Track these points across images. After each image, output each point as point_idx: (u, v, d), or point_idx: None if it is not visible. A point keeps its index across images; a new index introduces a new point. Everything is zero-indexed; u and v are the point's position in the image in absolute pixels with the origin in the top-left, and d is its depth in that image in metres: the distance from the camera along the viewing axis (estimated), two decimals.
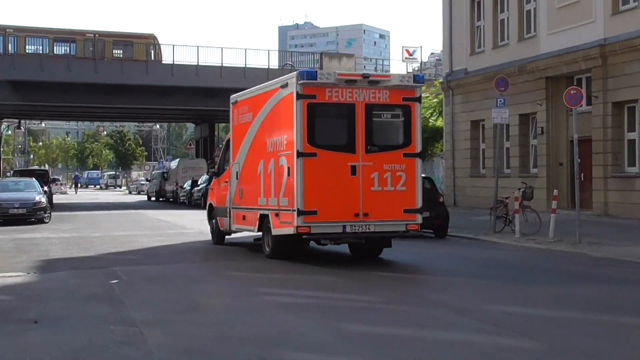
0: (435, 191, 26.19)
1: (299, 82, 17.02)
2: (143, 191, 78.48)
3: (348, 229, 17.11)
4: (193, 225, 30.19)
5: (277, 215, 17.95)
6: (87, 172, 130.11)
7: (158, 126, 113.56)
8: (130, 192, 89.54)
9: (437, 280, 15.37)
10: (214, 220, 22.81)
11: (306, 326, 10.62)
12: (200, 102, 56.18)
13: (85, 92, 53.41)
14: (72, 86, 52.65)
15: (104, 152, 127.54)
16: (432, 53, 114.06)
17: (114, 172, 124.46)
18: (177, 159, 68.56)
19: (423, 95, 53.70)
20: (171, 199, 57.94)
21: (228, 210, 21.21)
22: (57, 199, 59.00)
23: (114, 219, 35.74)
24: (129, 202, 59.45)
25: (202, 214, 28.44)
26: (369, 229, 17.20)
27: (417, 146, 17.66)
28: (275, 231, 18.08)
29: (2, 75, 49.62)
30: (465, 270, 16.83)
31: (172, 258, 19.12)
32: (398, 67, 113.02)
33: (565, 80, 33.73)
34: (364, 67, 74.58)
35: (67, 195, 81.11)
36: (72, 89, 52.91)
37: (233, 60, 54.94)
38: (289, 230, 17.30)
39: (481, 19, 40.38)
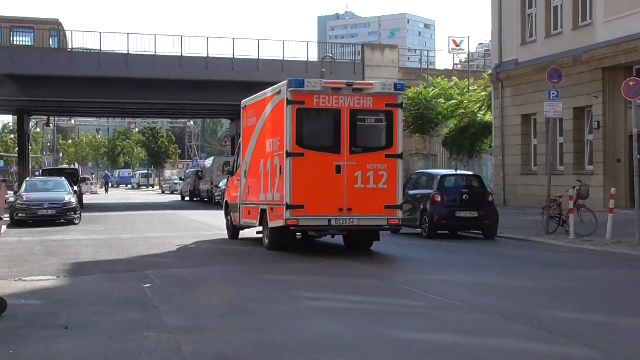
0: (483, 190, 26.22)
1: (289, 89, 19.89)
2: (176, 191, 79.02)
3: (333, 222, 19.95)
4: None
5: (272, 209, 20.89)
6: (118, 170, 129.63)
7: (192, 122, 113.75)
8: (163, 192, 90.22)
9: (485, 284, 15.31)
10: (229, 217, 25.59)
11: (348, 332, 10.63)
12: (235, 97, 55.78)
13: (116, 86, 53.79)
14: (102, 81, 53.08)
15: (135, 150, 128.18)
16: (480, 43, 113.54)
17: (146, 171, 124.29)
18: (212, 157, 67.88)
19: (471, 87, 53.21)
20: (206, 199, 57.81)
21: (238, 206, 24.10)
22: (87, 199, 59.17)
23: (147, 220, 36.02)
24: (162, 202, 59.91)
25: None
26: (352, 222, 20.00)
27: (399, 148, 20.46)
28: (271, 224, 21.00)
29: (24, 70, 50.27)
30: (514, 272, 16.78)
31: (207, 260, 19.27)
32: (444, 58, 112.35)
33: (623, 70, 33.41)
34: (408, 58, 74.45)
35: (98, 195, 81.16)
36: (101, 84, 53.33)
37: (270, 52, 55.21)
38: (280, 223, 20.15)
39: (532, 6, 40.10)
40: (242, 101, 24.21)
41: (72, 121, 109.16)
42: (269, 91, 21.61)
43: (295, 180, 19.86)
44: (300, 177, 19.90)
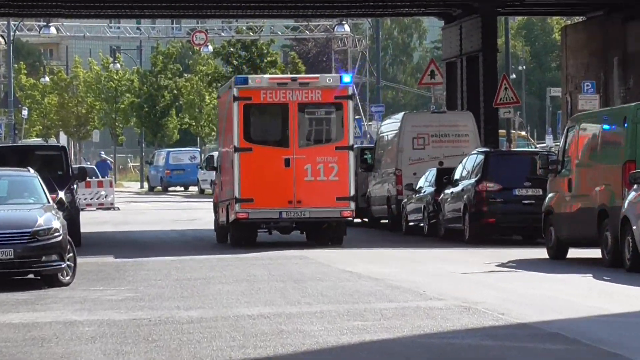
0: None
1: (235, 86, 21.75)
2: None
3: (284, 215, 21.57)
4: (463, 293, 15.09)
5: (229, 205, 22.31)
6: (165, 151, 66.86)
7: (346, 27, 62.28)
8: None
9: None
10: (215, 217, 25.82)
11: None
12: None
13: None
14: None
15: (208, 99, 64.63)
16: None
17: None
18: (400, 113, 34.52)
19: None
20: (383, 218, 31.23)
21: (215, 206, 25.13)
22: (93, 221, 34.62)
23: (238, 272, 18.77)
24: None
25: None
26: (303, 215, 21.61)
27: (350, 140, 22.01)
28: (230, 219, 22.22)
29: None
30: None
31: None
32: None
33: None
34: None
35: (114, 212, 44.14)
36: None
37: None
38: (233, 217, 21.69)
39: None
40: (219, 90, 26.01)
41: (52, 30, 57.82)
42: (228, 84, 23.49)
43: (245, 175, 21.44)
44: (249, 171, 21.51)
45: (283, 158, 21.56)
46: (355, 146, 31.75)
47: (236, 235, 22.73)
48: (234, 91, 21.70)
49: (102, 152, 65.26)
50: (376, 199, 30.75)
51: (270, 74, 51.20)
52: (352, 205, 21.97)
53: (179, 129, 74.47)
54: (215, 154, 29.62)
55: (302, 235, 23.85)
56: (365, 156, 32.25)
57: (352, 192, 21.90)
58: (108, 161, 62.89)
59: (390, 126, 31.93)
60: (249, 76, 22.52)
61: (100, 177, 46.42)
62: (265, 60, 60.14)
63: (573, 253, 20.14)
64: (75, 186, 26.13)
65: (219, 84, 50.27)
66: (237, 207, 21.42)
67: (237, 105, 21.55)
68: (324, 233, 22.78)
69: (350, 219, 22.58)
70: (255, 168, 21.55)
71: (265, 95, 21.75)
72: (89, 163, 66.85)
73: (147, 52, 79.02)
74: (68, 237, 17.17)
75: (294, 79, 22.50)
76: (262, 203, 21.49)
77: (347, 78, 22.58)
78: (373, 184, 31.08)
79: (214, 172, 27.36)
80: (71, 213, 21.95)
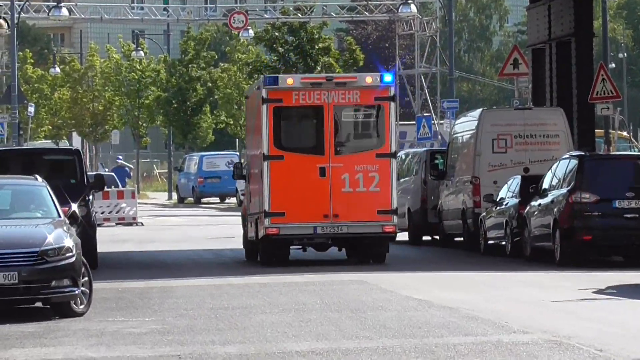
0: None
1: (264, 87, 22.67)
2: None
3: (319, 230, 22.57)
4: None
5: (259, 219, 23.16)
6: (199, 156, 67.66)
7: (414, 8, 64.20)
8: None
9: None
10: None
11: None
12: None
13: None
14: None
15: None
16: None
17: None
18: (478, 111, 33.37)
19: None
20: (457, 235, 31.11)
21: (243, 219, 26.07)
22: (112, 237, 36.39)
23: (285, 299, 18.81)
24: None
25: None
26: (340, 230, 22.60)
27: (392, 146, 23.03)
28: (260, 235, 23.11)
29: None
30: None
31: None
32: None
33: None
34: None
35: (137, 228, 45.04)
36: None
37: None
38: (262, 233, 22.64)
39: None
40: (246, 90, 27.00)
41: (63, 11, 58.88)
42: (256, 84, 24.59)
43: (275, 186, 22.41)
44: (280, 181, 22.51)
45: (318, 167, 22.57)
46: (424, 149, 35.58)
47: (266, 252, 23.67)
48: (262, 92, 22.65)
49: (120, 157, 65.42)
50: (449, 213, 30.64)
51: (322, 62, 52.04)
52: (395, 219, 22.93)
53: (213, 129, 74.84)
54: (246, 157, 29.26)
55: (341, 252, 24.73)
56: (436, 161, 32.41)
57: (395, 205, 22.99)
58: (126, 168, 62.95)
59: (465, 125, 31.69)
60: (279, 75, 23.59)
61: (120, 186, 46.34)
62: (316, 47, 59.74)
63: None
64: (91, 197, 25.94)
65: (261, 76, 48.82)
66: (266, 221, 22.39)
67: (267, 108, 22.50)
68: (364, 250, 23.56)
69: (393, 234, 23.31)
70: (286, 178, 22.57)
71: (297, 96, 22.73)
72: (106, 170, 65.63)
73: (176, 37, 79.94)
74: (82, 258, 16.78)
75: (329, 79, 23.39)
76: (295, 217, 22.54)
77: (388, 77, 23.39)
78: (445, 195, 30.95)
79: (243, 181, 27.65)
80: (86, 229, 21.76)
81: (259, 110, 23.07)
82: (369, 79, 23.01)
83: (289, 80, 23.24)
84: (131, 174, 66.52)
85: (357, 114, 23.09)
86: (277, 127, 22.63)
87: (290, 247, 23.96)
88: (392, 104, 23.22)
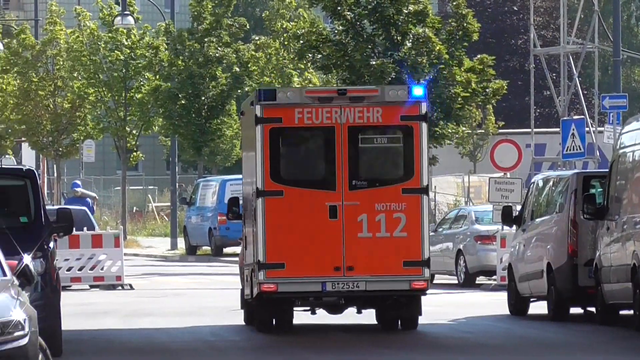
0: None
1: (258, 102, 19.95)
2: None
3: (329, 287, 19.79)
4: None
5: (253, 272, 20.51)
6: (216, 180, 52.06)
7: None
8: None
9: None
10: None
11: None
12: None
13: None
14: None
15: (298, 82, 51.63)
16: None
17: None
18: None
19: None
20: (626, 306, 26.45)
21: (240, 271, 23.56)
22: (85, 307, 29.02)
23: None
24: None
25: None
26: (357, 286, 19.85)
27: (423, 178, 20.22)
28: (254, 292, 20.41)
29: None
30: None
31: None
32: None
33: None
34: None
35: (136, 290, 35.64)
36: None
37: None
38: (256, 290, 19.94)
39: None
40: (242, 103, 23.98)
41: None
42: (249, 99, 21.74)
43: (271, 230, 19.93)
44: (279, 224, 20.01)
45: (327, 205, 20.24)
46: (574, 172, 29.13)
47: (261, 315, 21.12)
48: (256, 109, 20.35)
49: (78, 182, 50.60)
50: (612, 272, 23.82)
51: (414, 35, 38.95)
52: (427, 272, 20.42)
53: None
54: (245, 190, 23.70)
55: (360, 314, 21.96)
56: (592, 191, 25.59)
57: (427, 254, 20.42)
58: (88, 199, 47.63)
59: (638, 135, 24.44)
60: (278, 88, 20.96)
61: (96, 226, 36.21)
62: (405, 11, 40.77)
63: None
64: (52, 245, 19.80)
65: (318, 56, 37.94)
66: (261, 275, 20.07)
67: (261, 129, 20.22)
68: (389, 313, 21.37)
69: (424, 290, 20.65)
70: (287, 220, 20.29)
71: (301, 115, 20.33)
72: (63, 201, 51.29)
73: None
74: (40, 339, 13.67)
75: (341, 92, 20.92)
76: (298, 270, 20.20)
77: (418, 91, 20.80)
78: (607, 243, 24.22)
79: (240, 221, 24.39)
80: (46, 294, 17.81)
81: (252, 132, 20.95)
82: (392, 92, 21.17)
83: (290, 93, 21.23)
84: (94, 207, 48.62)
85: (379, 138, 20.91)
86: (274, 154, 20.41)
87: (295, 308, 21.46)
88: (424, 124, 20.51)
